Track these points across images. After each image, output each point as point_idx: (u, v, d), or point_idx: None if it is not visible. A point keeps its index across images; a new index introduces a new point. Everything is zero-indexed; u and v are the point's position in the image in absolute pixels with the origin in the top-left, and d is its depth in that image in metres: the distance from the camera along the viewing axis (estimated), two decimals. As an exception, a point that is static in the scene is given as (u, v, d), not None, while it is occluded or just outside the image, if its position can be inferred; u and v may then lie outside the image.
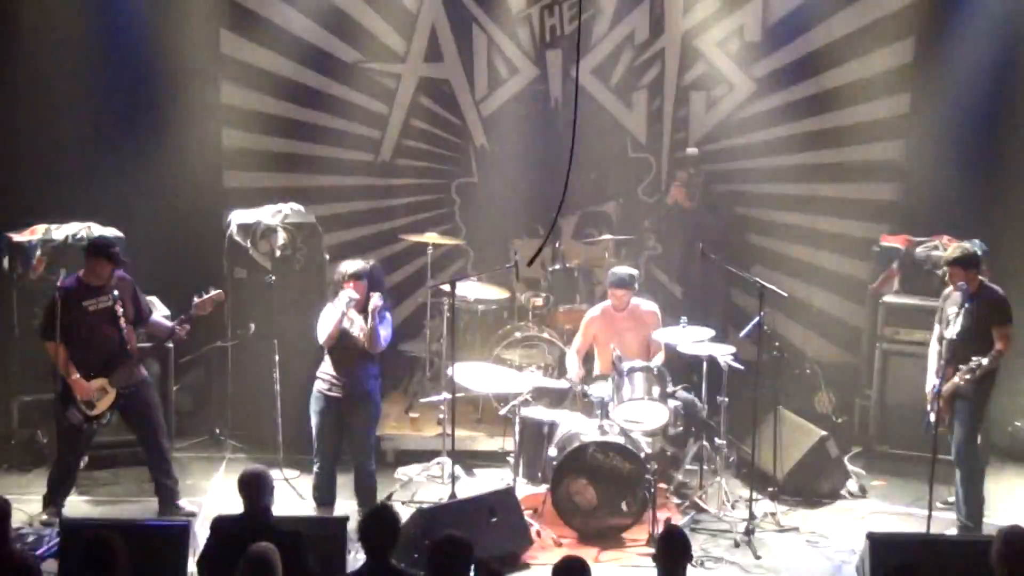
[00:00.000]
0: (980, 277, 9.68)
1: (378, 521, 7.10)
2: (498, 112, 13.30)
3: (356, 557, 8.47)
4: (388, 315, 9.83)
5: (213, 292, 9.78)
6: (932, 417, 9.63)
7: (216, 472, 10.86)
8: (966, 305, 9.53)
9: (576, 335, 11.02)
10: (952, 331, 9.53)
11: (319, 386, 9.78)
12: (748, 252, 12.88)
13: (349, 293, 9.58)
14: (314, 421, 9.82)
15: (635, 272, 10.91)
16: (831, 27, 12.78)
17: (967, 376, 9.36)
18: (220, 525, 7.76)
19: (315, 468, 9.90)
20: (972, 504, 9.65)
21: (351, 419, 9.78)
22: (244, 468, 8.01)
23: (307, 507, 9.97)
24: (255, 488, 7.73)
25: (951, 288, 9.84)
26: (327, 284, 11.90)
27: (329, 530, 8.32)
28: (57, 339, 9.35)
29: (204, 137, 12.70)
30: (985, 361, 9.27)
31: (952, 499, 9.83)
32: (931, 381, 9.66)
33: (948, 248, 10.55)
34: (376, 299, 9.61)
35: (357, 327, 9.65)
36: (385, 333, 9.71)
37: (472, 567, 6.91)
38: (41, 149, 12.01)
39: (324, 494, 9.88)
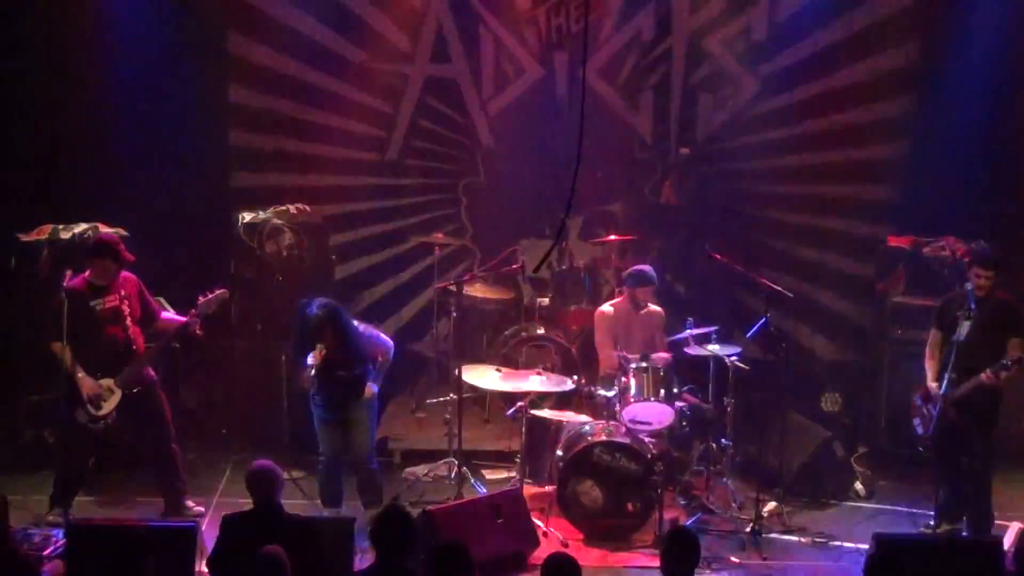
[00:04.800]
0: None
1: (390, 523, 7.07)
2: (505, 112, 13.31)
3: (363, 559, 8.49)
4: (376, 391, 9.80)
5: (218, 291, 9.79)
6: (920, 430, 9.68)
7: (223, 472, 10.87)
8: (975, 308, 9.44)
9: (597, 334, 10.91)
10: (960, 334, 9.43)
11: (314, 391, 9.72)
12: (754, 252, 12.87)
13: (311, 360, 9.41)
14: (315, 420, 9.79)
15: (652, 269, 10.90)
16: (837, 28, 12.78)
17: (1000, 372, 9.26)
18: (230, 523, 7.75)
19: (319, 467, 9.91)
20: (984, 517, 9.62)
21: (348, 417, 9.70)
22: (252, 463, 7.96)
23: (314, 507, 9.97)
24: (266, 483, 7.71)
25: (954, 291, 9.82)
26: (334, 284, 12.00)
27: (335, 531, 8.31)
28: (64, 339, 9.36)
29: (211, 137, 12.69)
30: (1013, 362, 9.23)
31: (933, 523, 9.73)
32: (932, 385, 9.64)
33: (963, 248, 10.55)
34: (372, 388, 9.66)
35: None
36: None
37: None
38: (48, 149, 12.04)
39: (330, 494, 9.83)
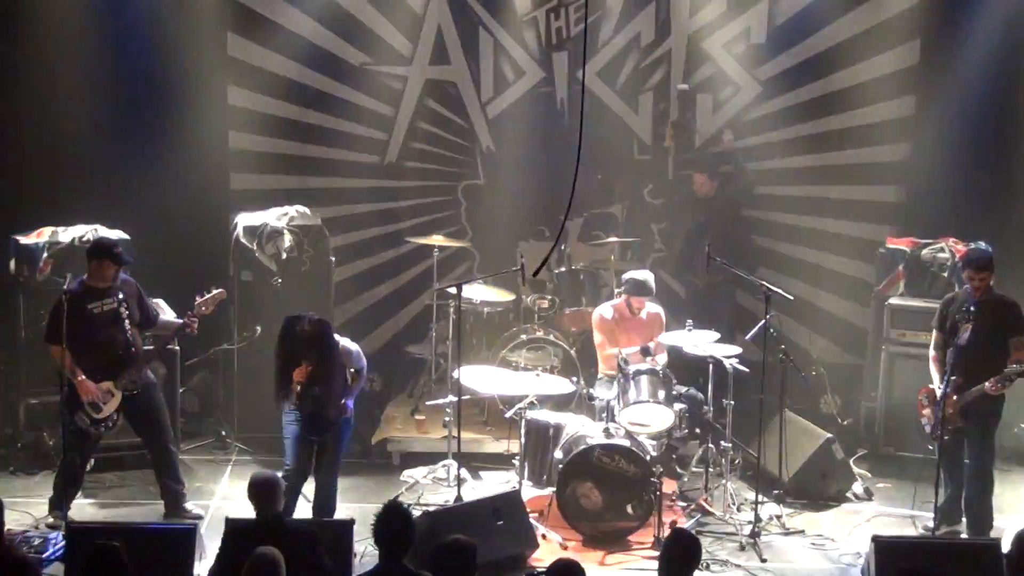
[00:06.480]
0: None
1: (393, 521, 7.06)
2: (504, 114, 13.28)
3: (362, 562, 8.49)
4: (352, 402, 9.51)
5: (215, 291, 9.79)
6: (928, 428, 9.68)
7: (222, 475, 10.87)
8: (974, 310, 9.44)
9: (596, 336, 10.97)
10: (962, 337, 9.44)
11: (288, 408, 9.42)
12: (754, 254, 12.86)
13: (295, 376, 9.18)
14: (288, 432, 9.40)
15: (652, 277, 10.89)
16: (837, 29, 12.77)
17: (1000, 384, 9.26)
18: (233, 532, 7.74)
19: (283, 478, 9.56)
20: (984, 519, 9.62)
21: (323, 436, 9.39)
22: (253, 474, 7.95)
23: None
24: (266, 495, 7.71)
25: (954, 292, 9.80)
26: (333, 286, 11.99)
27: (335, 533, 8.31)
28: (63, 342, 9.36)
29: (210, 139, 12.67)
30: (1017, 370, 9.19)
31: (933, 525, 9.67)
32: (937, 387, 9.63)
33: (962, 250, 10.52)
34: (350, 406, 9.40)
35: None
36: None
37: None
38: (48, 152, 12.02)
39: (320, 508, 9.48)
